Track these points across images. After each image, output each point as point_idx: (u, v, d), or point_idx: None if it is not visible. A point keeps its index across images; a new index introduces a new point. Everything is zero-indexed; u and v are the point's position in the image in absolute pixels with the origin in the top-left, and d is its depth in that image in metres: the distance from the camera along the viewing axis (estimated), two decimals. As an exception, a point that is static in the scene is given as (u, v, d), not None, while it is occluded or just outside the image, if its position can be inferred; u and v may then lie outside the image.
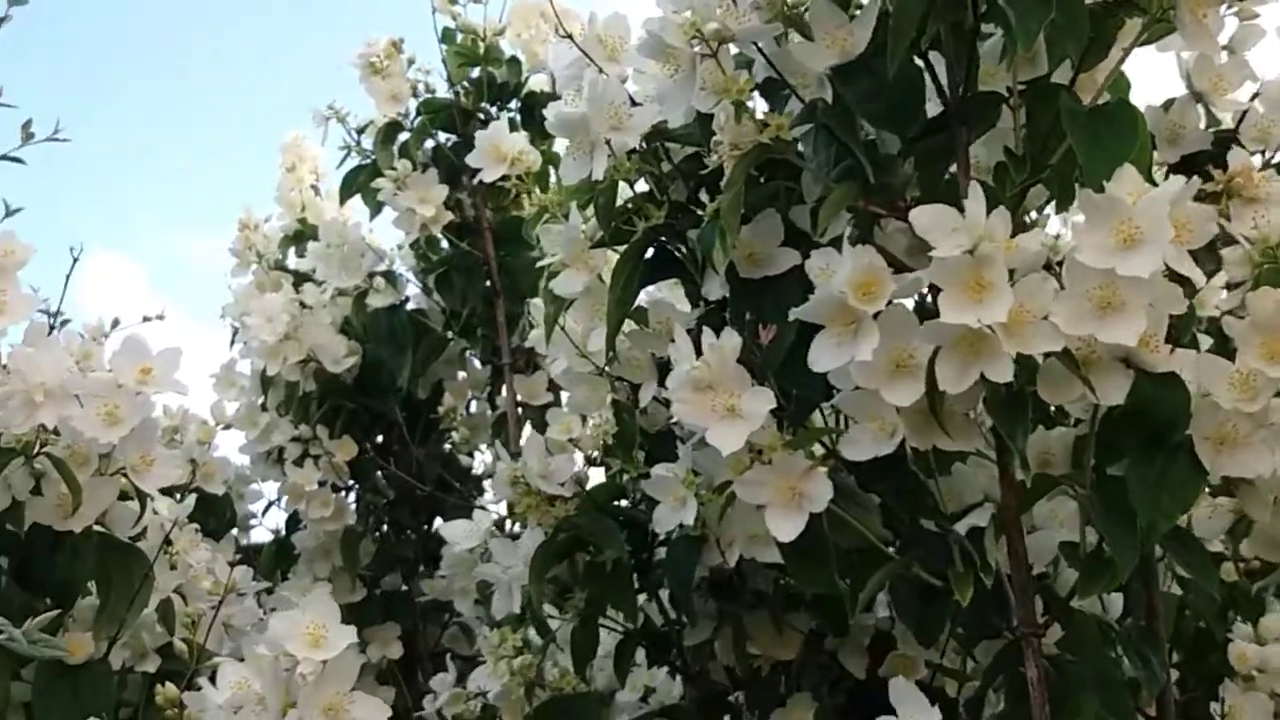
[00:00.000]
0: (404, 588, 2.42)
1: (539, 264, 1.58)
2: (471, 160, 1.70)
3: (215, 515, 2.26)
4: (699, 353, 1.21)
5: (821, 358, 1.15)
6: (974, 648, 1.33)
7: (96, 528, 1.49)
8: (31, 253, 1.52)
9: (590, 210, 1.48)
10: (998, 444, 1.18)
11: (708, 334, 1.21)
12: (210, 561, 1.85)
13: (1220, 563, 1.50)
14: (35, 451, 1.44)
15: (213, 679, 1.29)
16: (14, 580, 1.51)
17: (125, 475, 1.49)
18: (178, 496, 1.78)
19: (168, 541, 1.68)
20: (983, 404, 1.14)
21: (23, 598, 1.51)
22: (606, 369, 1.52)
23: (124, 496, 1.53)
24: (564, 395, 2.21)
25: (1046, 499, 1.33)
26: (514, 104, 2.14)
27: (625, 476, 1.55)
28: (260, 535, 2.53)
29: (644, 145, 1.41)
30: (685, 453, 1.47)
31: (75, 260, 1.58)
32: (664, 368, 1.51)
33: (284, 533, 2.46)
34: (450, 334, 2.22)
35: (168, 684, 1.37)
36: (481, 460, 2.40)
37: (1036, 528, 1.33)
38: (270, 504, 2.50)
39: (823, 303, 1.15)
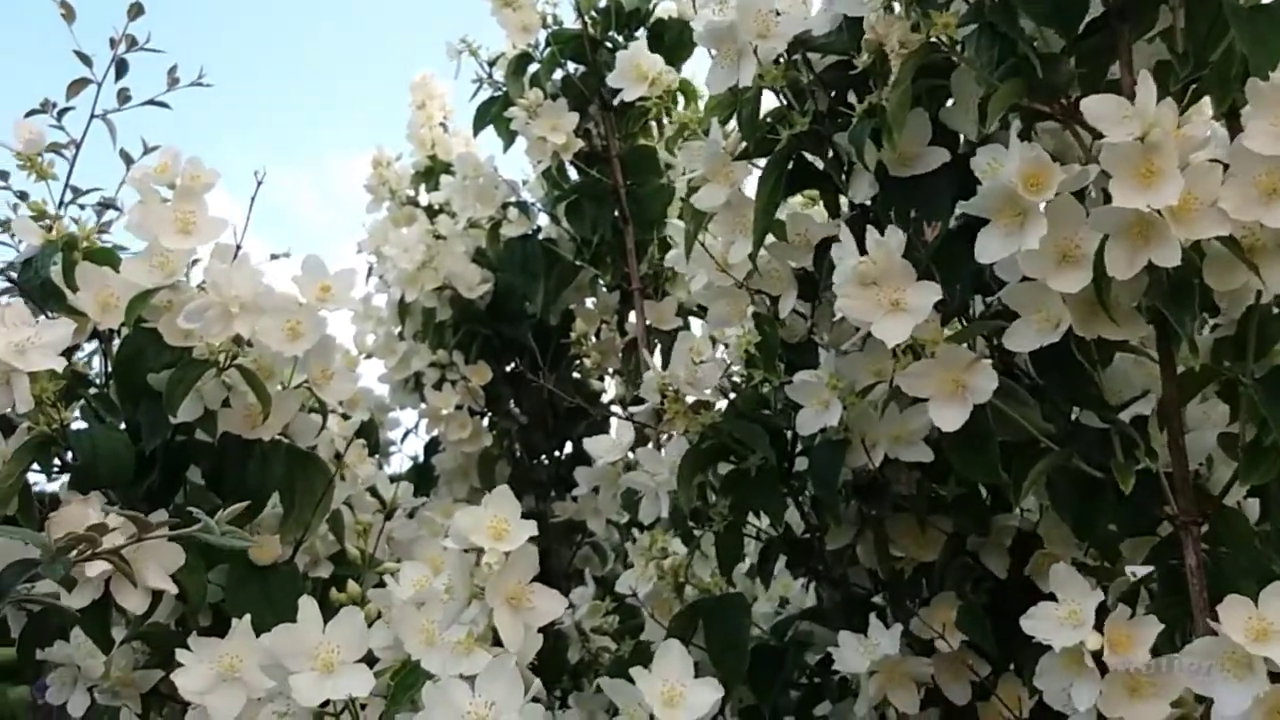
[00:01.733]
0: (538, 509, 2.44)
1: (683, 179, 1.56)
2: (612, 80, 1.68)
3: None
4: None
5: (988, 249, 1.12)
6: (1128, 540, 1.30)
7: (281, 438, 1.52)
8: (217, 177, 1.54)
9: (730, 125, 1.46)
10: (1160, 334, 1.15)
11: (872, 231, 1.18)
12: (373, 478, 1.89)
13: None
14: (226, 364, 1.46)
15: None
16: (208, 485, 1.54)
17: (307, 388, 1.53)
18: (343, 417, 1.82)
19: (339, 456, 1.72)
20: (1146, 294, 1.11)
21: (213, 505, 1.55)
22: (746, 283, 1.51)
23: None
24: (693, 320, 2.21)
25: (1199, 400, 1.30)
26: (641, 31, 2.11)
27: (767, 387, 1.54)
28: (399, 463, 2.58)
29: (787, 56, 1.38)
30: (828, 359, 1.45)
31: (259, 183, 1.59)
32: (803, 280, 1.50)
33: (423, 458, 2.50)
34: (580, 262, 2.21)
35: (350, 583, 1.40)
36: (611, 385, 2.40)
37: (1190, 429, 1.29)
38: (408, 432, 2.54)
39: (991, 195, 1.12)
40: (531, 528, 1.17)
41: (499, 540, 1.16)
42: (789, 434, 1.51)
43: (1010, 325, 1.17)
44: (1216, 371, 1.17)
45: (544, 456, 2.45)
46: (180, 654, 1.23)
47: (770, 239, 1.45)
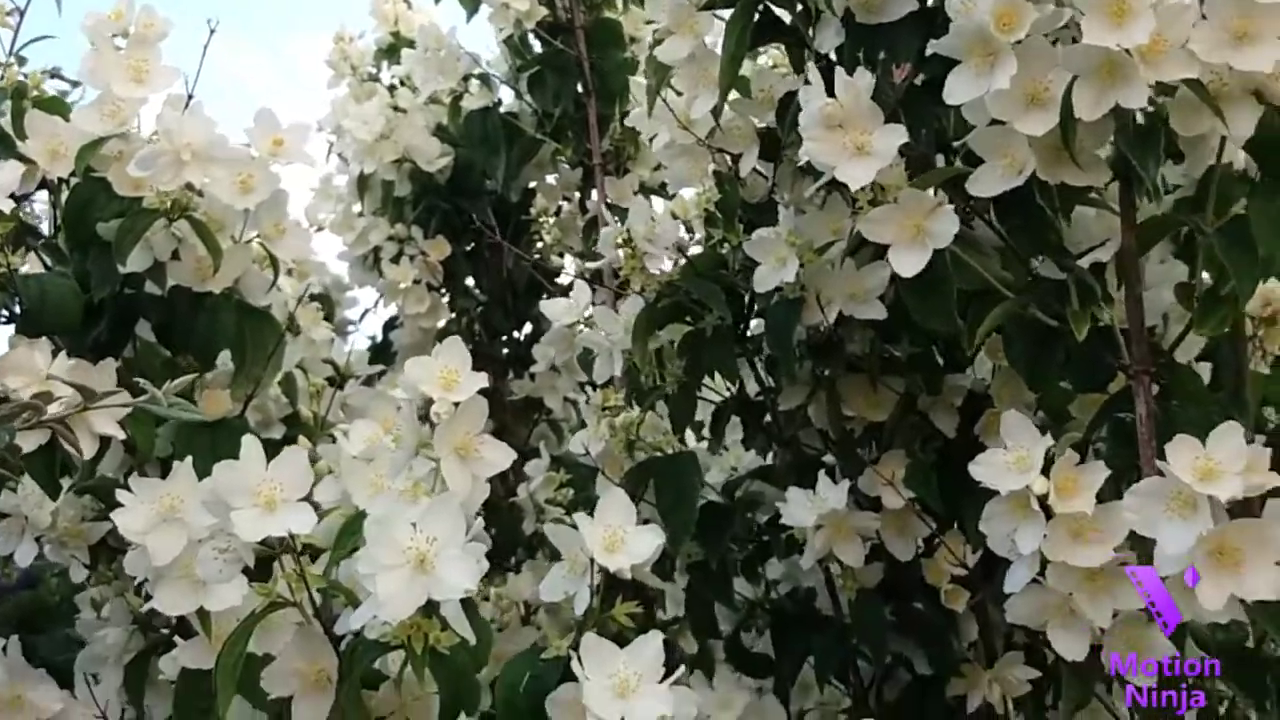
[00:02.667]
0: (496, 387, 2.40)
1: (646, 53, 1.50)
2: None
3: (316, 315, 2.24)
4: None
5: (958, 89, 1.08)
6: (1077, 400, 1.27)
7: (232, 292, 1.48)
8: (171, 26, 1.49)
9: (695, -23, 1.40)
10: (1123, 182, 1.11)
11: (840, 73, 1.13)
12: (329, 345, 1.85)
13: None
14: (176, 215, 1.41)
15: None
16: (158, 338, 1.49)
17: (259, 244, 1.48)
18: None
19: (292, 318, 1.68)
20: (1114, 137, 1.07)
21: (164, 358, 1.50)
22: (707, 141, 1.46)
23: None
24: (655, 200, 2.15)
25: (1160, 260, 1.27)
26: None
27: (726, 247, 1.49)
28: (358, 343, 2.52)
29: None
30: (786, 216, 1.41)
31: (212, 31, 1.51)
32: (766, 138, 1.45)
33: (381, 338, 2.44)
34: (542, 136, 2.14)
35: (300, 438, 1.36)
36: (572, 263, 2.34)
37: (1149, 287, 1.27)
38: (366, 311, 2.48)
39: (963, 34, 1.07)
40: (481, 379, 1.13)
41: (449, 390, 1.12)
42: (746, 295, 1.48)
43: (974, 171, 1.13)
44: (1177, 221, 1.14)
45: (503, 335, 2.40)
46: (120, 494, 1.19)
47: (734, 95, 1.40)
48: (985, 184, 1.11)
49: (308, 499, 1.09)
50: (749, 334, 1.51)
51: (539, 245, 2.27)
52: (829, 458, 1.52)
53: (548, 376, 2.28)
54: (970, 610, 1.48)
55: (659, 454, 1.53)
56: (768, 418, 1.57)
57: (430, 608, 0.96)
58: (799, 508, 1.40)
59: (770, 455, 1.61)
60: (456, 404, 1.12)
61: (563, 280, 2.38)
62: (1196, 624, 1.15)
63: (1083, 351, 1.15)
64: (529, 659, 1.09)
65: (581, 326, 1.58)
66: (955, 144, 1.20)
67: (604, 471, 1.54)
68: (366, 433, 1.26)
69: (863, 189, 1.13)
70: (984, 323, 1.13)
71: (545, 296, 2.20)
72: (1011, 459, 1.13)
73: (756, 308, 1.48)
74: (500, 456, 1.15)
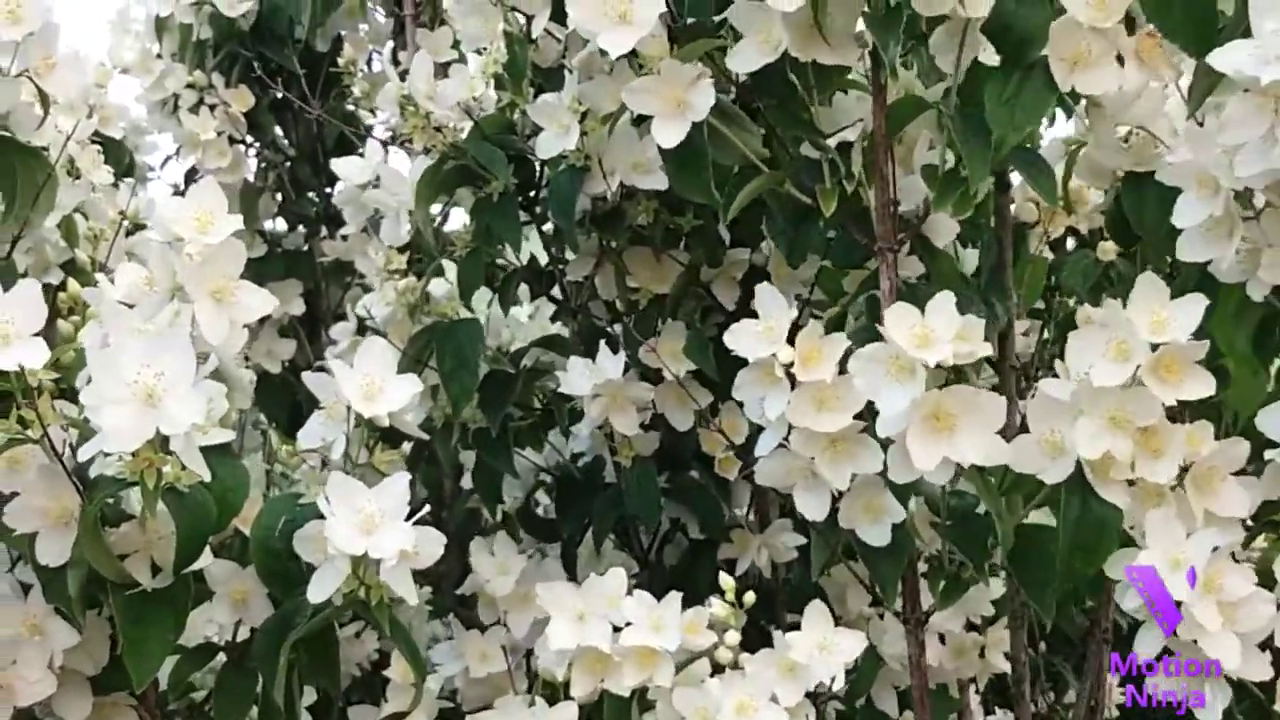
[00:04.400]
0: (306, 248, 2.42)
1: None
2: None
3: (114, 161, 2.21)
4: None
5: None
6: (849, 275, 1.38)
7: (-1, 130, 1.46)
8: None
9: None
10: (874, 62, 1.20)
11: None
12: (112, 193, 1.85)
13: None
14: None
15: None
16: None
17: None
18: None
19: (71, 160, 1.67)
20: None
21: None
22: (499, -1, 1.49)
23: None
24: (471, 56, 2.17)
25: (929, 148, 1.37)
26: None
27: (515, 111, 1.55)
28: (159, 190, 2.50)
29: None
30: (571, 81, 1.47)
31: None
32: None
33: (183, 187, 2.42)
34: (351, -19, 2.13)
35: (70, 281, 1.38)
36: (384, 118, 2.35)
37: (910, 172, 1.37)
38: (168, 158, 2.45)
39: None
40: (237, 222, 1.17)
41: (203, 232, 1.16)
42: (538, 162, 1.54)
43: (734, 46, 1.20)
44: (924, 104, 1.23)
45: (313, 192, 2.41)
46: None
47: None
48: (743, 59, 1.19)
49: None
50: (539, 200, 1.58)
51: (350, 98, 2.28)
52: (616, 328, 1.62)
53: (359, 239, 2.30)
54: (745, 479, 1.61)
55: (444, 318, 1.60)
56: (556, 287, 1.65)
57: (164, 444, 1.02)
58: (578, 376, 1.50)
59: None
60: (211, 245, 1.16)
61: (380, 136, 2.41)
62: (930, 491, 1.29)
63: (841, 232, 1.25)
64: (287, 502, 1.17)
65: (371, 187, 1.63)
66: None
67: (389, 337, 1.61)
68: (130, 277, 1.30)
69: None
70: (738, 198, 1.22)
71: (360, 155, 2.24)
72: (761, 329, 1.23)
73: (547, 174, 1.54)
74: (259, 302, 1.19)
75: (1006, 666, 1.59)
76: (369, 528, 1.05)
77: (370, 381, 1.15)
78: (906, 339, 1.12)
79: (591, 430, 1.58)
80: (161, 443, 1.02)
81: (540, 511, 1.85)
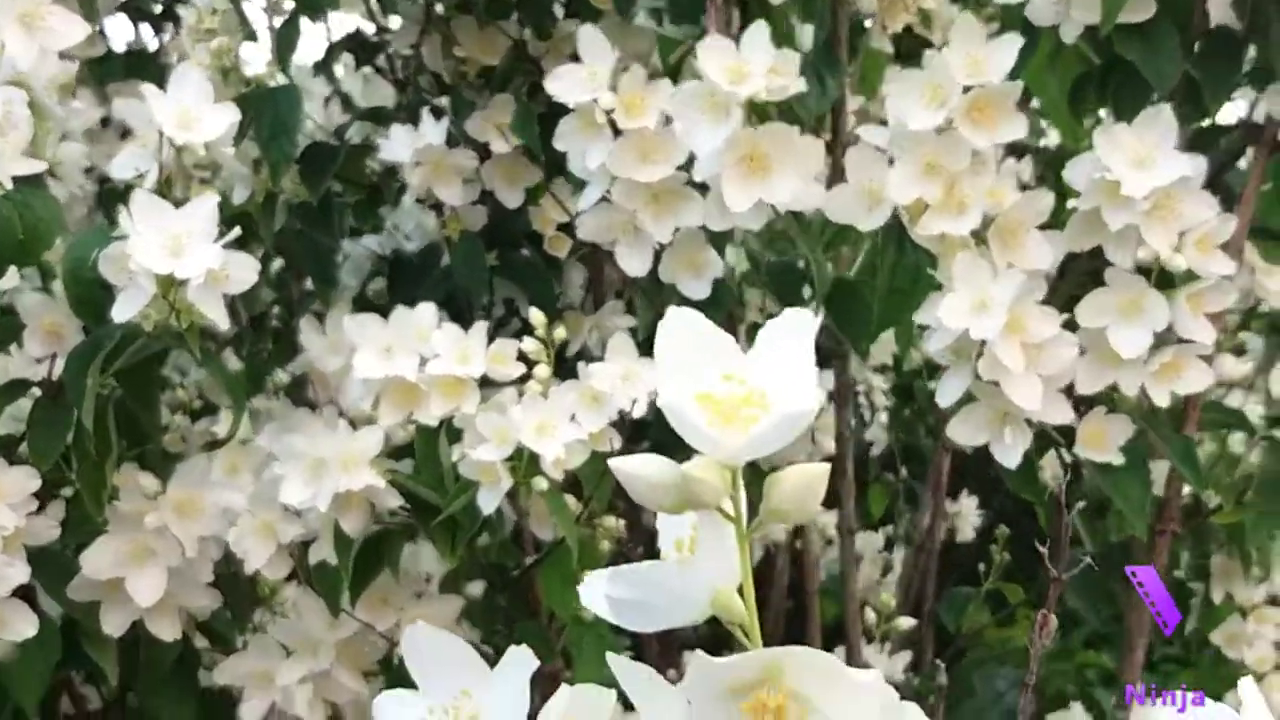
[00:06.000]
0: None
1: None
2: None
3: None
4: None
5: None
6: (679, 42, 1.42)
7: None
8: None
9: None
10: None
11: None
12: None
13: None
14: None
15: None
16: None
17: None
18: None
19: None
20: None
21: None
22: None
23: None
24: None
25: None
26: None
27: None
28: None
29: None
30: None
31: None
32: None
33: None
34: None
35: None
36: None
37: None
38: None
39: None
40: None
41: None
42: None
43: None
44: None
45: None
46: None
47: None
48: None
49: None
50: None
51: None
52: (445, 101, 1.63)
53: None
54: (578, 260, 1.66)
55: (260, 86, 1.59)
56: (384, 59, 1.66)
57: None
58: (399, 145, 1.51)
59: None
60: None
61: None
62: (751, 246, 1.36)
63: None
64: (100, 234, 1.17)
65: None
66: None
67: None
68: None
69: None
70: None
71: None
72: (584, 74, 1.27)
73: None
74: (73, 29, 1.18)
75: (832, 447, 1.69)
76: (176, 249, 1.06)
77: (185, 109, 1.15)
78: (721, 74, 1.16)
79: (418, 206, 1.60)
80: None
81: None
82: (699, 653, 0.48)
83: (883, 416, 2.08)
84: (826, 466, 0.52)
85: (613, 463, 0.51)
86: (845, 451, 1.63)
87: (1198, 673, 2.04)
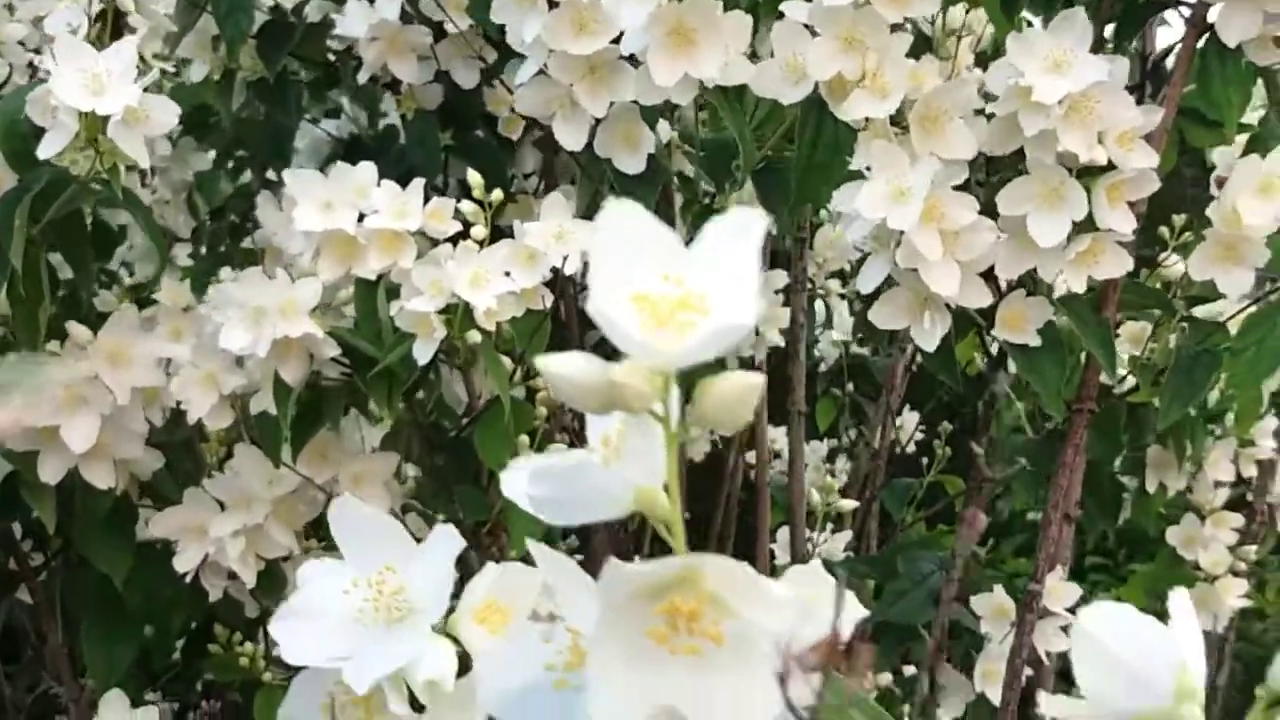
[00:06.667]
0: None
1: None
2: None
3: None
4: None
5: None
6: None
7: None
8: None
9: None
10: None
11: None
12: None
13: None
14: None
15: None
16: None
17: None
18: None
19: None
20: None
21: None
22: None
23: None
24: None
25: None
26: None
27: None
28: None
29: None
30: None
31: None
32: None
33: None
34: None
35: None
36: None
37: None
38: None
39: None
40: None
41: None
42: None
43: None
44: None
45: None
46: None
47: None
48: None
49: None
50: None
51: None
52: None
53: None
54: (532, 145, 1.70)
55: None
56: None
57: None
58: (354, 20, 1.55)
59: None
60: None
61: None
62: (688, 126, 1.40)
63: None
64: (32, 86, 1.22)
65: None
66: None
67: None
68: None
69: None
70: None
71: None
72: (519, -58, 1.30)
73: None
74: None
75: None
76: (97, 88, 1.11)
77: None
78: (645, -57, 1.19)
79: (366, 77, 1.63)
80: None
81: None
82: (613, 559, 0.46)
83: (834, 334, 2.13)
84: (761, 377, 0.49)
85: (539, 361, 0.49)
86: (798, 335, 1.68)
87: (1143, 576, 2.08)
